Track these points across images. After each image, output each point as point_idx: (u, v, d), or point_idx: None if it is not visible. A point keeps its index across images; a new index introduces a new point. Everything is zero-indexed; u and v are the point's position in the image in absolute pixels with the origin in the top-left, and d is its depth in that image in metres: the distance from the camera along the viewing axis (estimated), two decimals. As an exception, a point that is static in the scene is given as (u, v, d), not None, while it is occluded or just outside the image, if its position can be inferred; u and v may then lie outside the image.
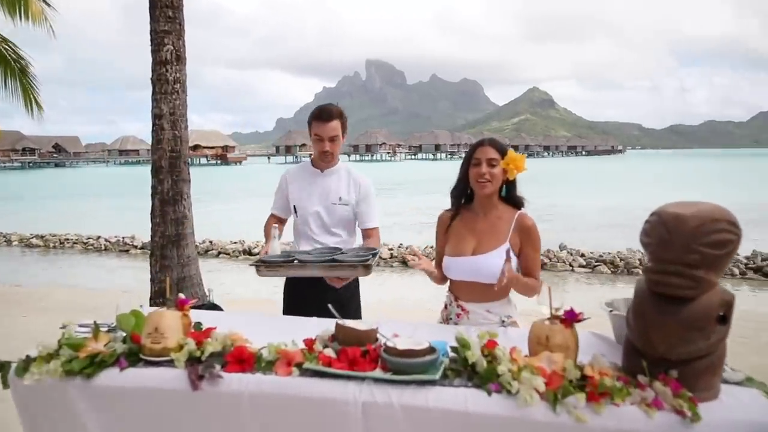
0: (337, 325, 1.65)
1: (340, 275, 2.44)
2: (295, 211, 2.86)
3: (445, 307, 2.38)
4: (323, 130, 2.71)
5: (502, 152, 2.21)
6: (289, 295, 2.81)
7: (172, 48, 4.06)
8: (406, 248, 11.20)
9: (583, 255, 10.38)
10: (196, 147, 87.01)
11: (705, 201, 1.49)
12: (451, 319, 2.32)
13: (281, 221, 2.95)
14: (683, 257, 1.39)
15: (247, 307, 6.09)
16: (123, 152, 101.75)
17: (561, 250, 10.73)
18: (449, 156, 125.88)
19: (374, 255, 2.46)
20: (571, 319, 1.55)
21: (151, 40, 4.13)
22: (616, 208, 19.38)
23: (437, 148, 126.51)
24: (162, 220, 4.19)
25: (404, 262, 10.54)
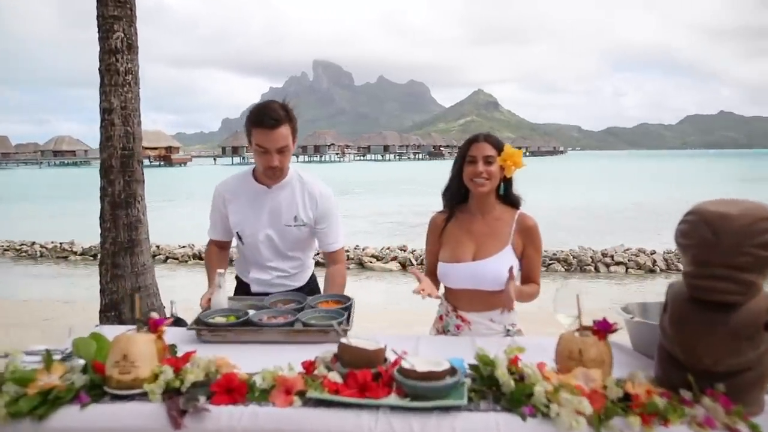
0: (342, 345, 1.43)
1: (307, 340, 1.86)
2: (240, 238, 2.38)
3: (441, 318, 2.18)
4: (269, 140, 2.11)
5: (499, 148, 2.03)
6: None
7: (122, 35, 3.67)
8: (363, 249, 10.99)
9: (538, 254, 10.51)
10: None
11: (743, 199, 1.37)
12: (448, 330, 2.13)
13: (224, 247, 2.50)
14: (732, 260, 1.26)
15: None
16: (57, 153, 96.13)
17: (517, 250, 10.83)
18: (398, 157, 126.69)
19: (348, 310, 2.00)
20: (604, 330, 1.40)
21: (99, 27, 3.73)
22: (565, 207, 19.89)
23: (386, 149, 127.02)
24: (113, 224, 3.79)
25: (361, 264, 10.33)
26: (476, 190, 2.04)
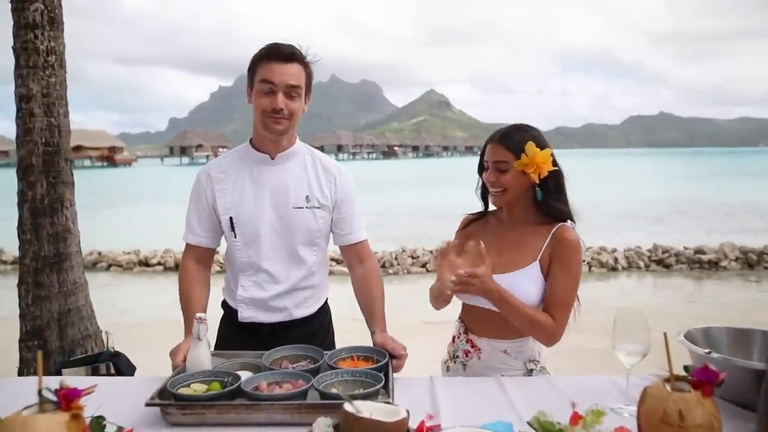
0: (349, 416, 1.00)
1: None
2: (232, 228, 1.78)
3: (453, 339, 1.84)
4: (278, 72, 1.66)
5: (517, 151, 1.61)
6: (228, 333, 1.88)
7: (42, 7, 3.00)
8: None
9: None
10: (78, 148, 79.24)
11: None
12: (457, 356, 1.77)
13: (204, 261, 1.88)
14: None
15: (153, 334, 5.14)
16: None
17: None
18: (352, 156, 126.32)
19: (386, 370, 1.46)
20: (712, 381, 1.02)
21: (11, -4, 3.07)
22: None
23: (339, 148, 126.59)
24: (35, 236, 3.08)
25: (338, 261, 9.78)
26: (492, 202, 1.73)
